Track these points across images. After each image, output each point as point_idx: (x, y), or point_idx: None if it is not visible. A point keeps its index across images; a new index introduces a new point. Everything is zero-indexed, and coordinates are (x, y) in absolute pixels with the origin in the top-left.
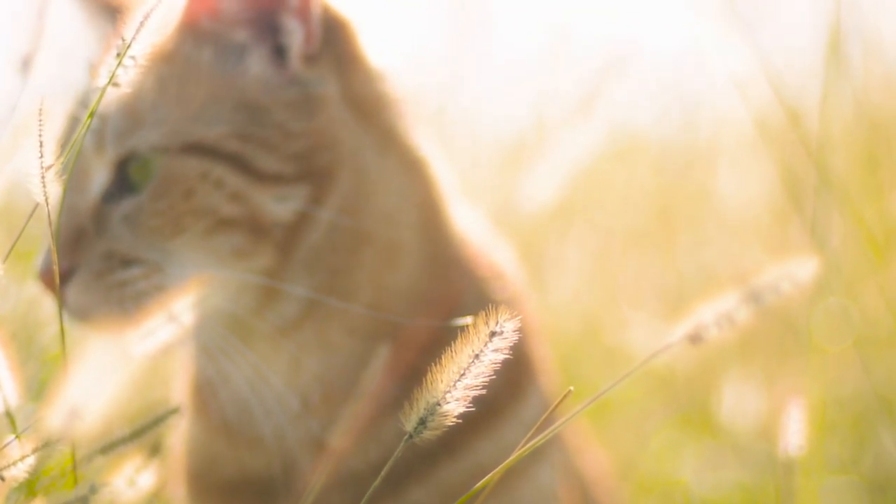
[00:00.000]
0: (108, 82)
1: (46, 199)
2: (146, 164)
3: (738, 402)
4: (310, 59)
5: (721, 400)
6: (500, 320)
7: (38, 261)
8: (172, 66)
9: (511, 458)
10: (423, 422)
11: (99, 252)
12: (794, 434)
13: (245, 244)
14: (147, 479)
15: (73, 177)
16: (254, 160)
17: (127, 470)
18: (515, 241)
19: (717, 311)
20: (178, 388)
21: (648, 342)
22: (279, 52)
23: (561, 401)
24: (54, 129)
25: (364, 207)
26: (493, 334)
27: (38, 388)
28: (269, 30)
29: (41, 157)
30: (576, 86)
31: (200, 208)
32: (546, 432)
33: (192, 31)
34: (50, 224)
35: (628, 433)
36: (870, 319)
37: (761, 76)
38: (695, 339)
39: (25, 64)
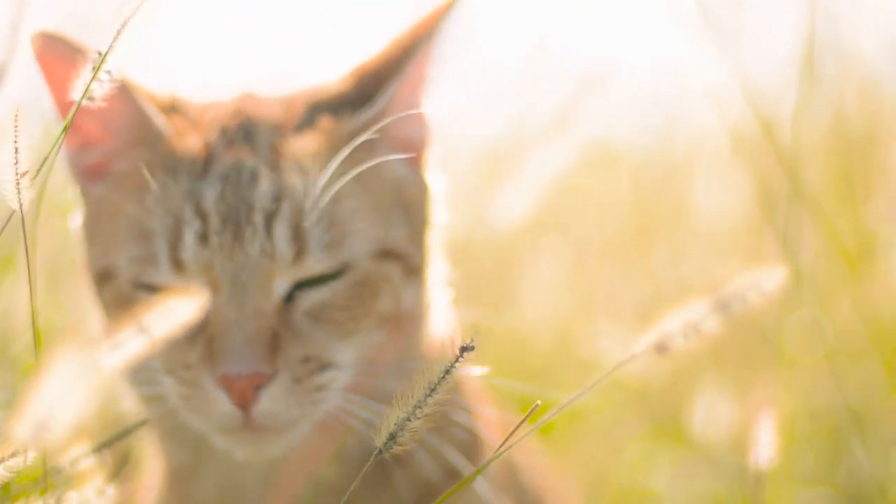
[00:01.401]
0: (83, 97)
1: (21, 206)
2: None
3: (710, 413)
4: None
5: (693, 411)
6: (468, 340)
7: (225, 362)
8: (364, 178)
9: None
10: (392, 437)
11: (298, 357)
12: (765, 446)
13: (383, 339)
14: (115, 490)
15: (251, 279)
16: (412, 257)
17: (96, 480)
18: (490, 253)
19: (683, 320)
20: None
21: (622, 354)
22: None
23: (529, 413)
24: (29, 137)
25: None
26: (463, 349)
27: (9, 397)
28: None
29: (16, 163)
30: (554, 98)
31: (376, 308)
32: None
33: (373, 145)
34: (24, 233)
35: (601, 444)
36: (842, 332)
37: (737, 89)
38: (661, 348)
39: (0, 72)
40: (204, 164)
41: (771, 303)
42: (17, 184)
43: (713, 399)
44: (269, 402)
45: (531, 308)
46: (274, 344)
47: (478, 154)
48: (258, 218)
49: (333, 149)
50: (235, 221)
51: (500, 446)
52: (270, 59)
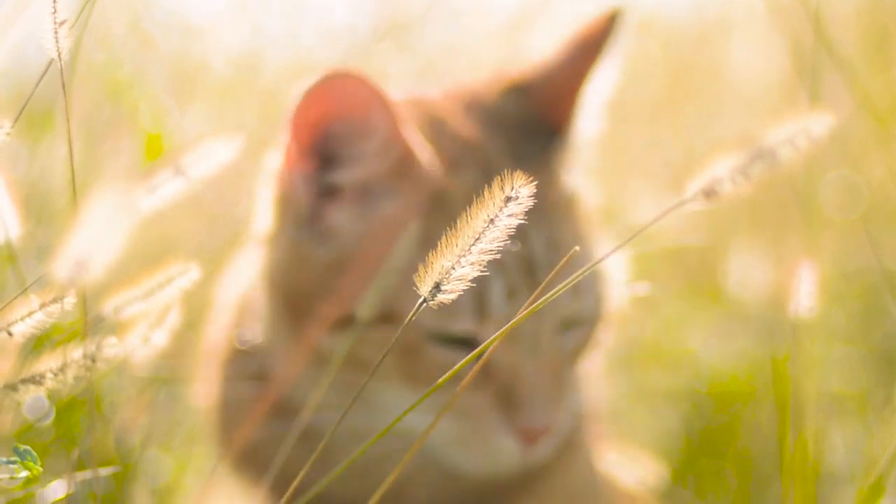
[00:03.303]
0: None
1: (59, 55)
2: None
3: (745, 272)
4: None
5: (729, 271)
6: (516, 186)
7: (526, 415)
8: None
9: None
10: (438, 286)
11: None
12: (805, 297)
13: None
14: (160, 337)
15: (545, 332)
16: None
17: (140, 327)
18: None
19: (731, 166)
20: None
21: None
22: None
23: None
24: None
25: None
26: (508, 199)
27: (46, 249)
28: None
29: (55, 11)
30: None
31: None
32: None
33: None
34: (63, 84)
35: (636, 304)
36: (876, 193)
37: None
38: (709, 193)
39: None
40: None
41: (806, 162)
42: (56, 32)
43: (748, 259)
44: (548, 442)
45: None
46: (562, 391)
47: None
48: (543, 271)
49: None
50: (529, 274)
51: None
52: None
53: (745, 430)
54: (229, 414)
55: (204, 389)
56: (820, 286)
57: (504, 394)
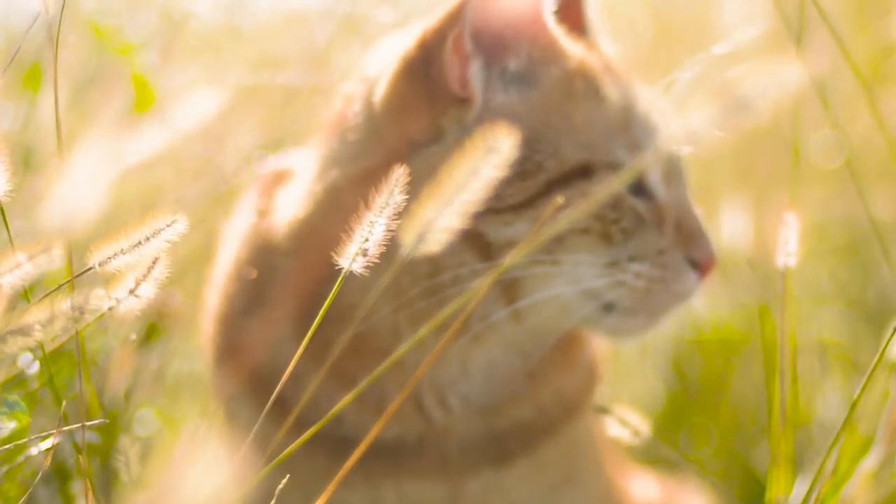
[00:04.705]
0: None
1: (47, 7)
2: None
3: (733, 225)
4: None
5: (716, 224)
6: (498, 136)
7: (704, 245)
8: None
9: None
10: (421, 238)
11: None
12: (790, 247)
13: None
14: (148, 289)
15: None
16: None
17: (127, 280)
18: None
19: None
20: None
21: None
22: None
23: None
24: None
25: None
26: (490, 150)
27: (32, 201)
28: None
29: None
30: None
31: None
32: None
33: None
34: (54, 40)
35: None
36: (862, 145)
37: None
38: (690, 141)
39: None
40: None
41: (791, 113)
42: None
43: (737, 209)
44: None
45: None
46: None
47: None
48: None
49: None
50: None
51: None
52: None
53: (735, 378)
54: (235, 325)
55: (207, 311)
56: (804, 235)
57: (678, 231)
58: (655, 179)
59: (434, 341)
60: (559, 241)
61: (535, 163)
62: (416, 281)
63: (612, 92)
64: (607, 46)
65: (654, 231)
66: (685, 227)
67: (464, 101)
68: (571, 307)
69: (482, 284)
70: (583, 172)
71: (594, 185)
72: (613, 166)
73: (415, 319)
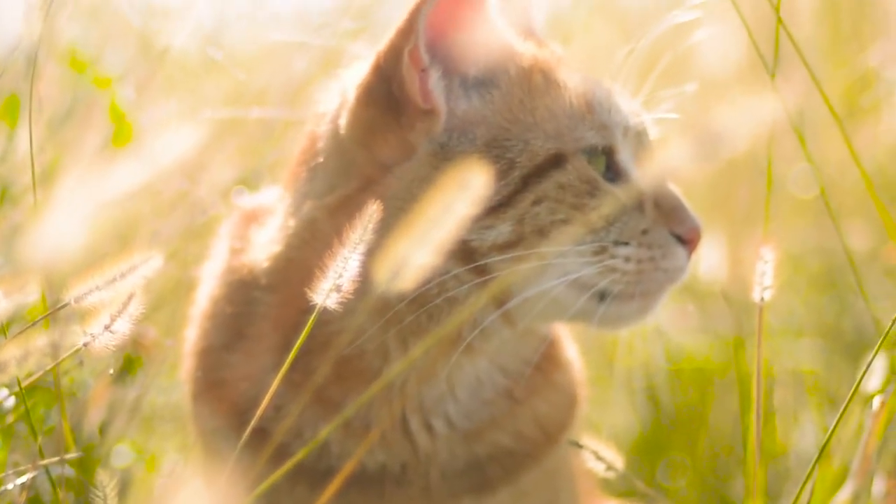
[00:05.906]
0: None
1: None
2: None
3: (709, 257)
4: None
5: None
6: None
7: (688, 218)
8: None
9: None
10: (395, 275)
11: None
12: (765, 279)
13: None
14: (123, 325)
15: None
16: None
17: (103, 316)
18: None
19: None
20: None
21: None
22: None
23: None
24: None
25: None
26: (462, 188)
27: (9, 235)
28: None
29: None
30: None
31: None
32: None
33: None
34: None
35: None
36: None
37: None
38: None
39: None
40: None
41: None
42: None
43: (712, 244)
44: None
45: None
46: None
47: None
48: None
49: None
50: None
51: None
52: None
53: (712, 409)
54: (214, 359)
55: (187, 347)
56: (780, 266)
57: (658, 209)
58: (626, 158)
59: (424, 358)
60: (542, 236)
61: (508, 161)
62: (401, 295)
63: (570, 80)
64: (557, 48)
65: (635, 212)
66: (665, 203)
67: (428, 113)
68: (563, 301)
69: (476, 303)
70: (555, 162)
71: (568, 173)
72: (585, 151)
73: (403, 335)
